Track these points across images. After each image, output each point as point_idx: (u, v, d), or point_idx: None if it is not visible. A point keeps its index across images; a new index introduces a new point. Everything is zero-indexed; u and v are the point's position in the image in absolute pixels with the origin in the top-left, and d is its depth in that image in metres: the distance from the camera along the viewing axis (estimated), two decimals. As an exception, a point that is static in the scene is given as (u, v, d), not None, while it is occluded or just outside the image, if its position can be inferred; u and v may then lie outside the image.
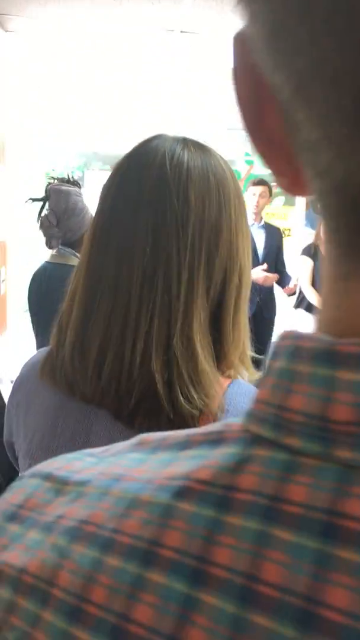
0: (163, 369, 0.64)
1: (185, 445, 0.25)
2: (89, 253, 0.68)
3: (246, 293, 0.72)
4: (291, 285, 4.08)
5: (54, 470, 0.29)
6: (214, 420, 0.65)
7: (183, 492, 0.22)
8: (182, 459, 0.24)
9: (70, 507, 0.25)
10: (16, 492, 0.29)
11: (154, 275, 0.64)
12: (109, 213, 0.67)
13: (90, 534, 0.23)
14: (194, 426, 0.64)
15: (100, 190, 0.70)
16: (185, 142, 0.68)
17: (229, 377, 0.70)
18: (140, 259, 0.64)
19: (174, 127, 5.30)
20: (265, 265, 3.64)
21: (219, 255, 0.67)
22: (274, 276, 3.66)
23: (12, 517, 0.28)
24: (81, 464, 0.29)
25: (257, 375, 0.75)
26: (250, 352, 0.74)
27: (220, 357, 0.69)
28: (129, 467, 0.26)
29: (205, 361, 0.65)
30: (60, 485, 0.28)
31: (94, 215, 0.70)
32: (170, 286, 0.64)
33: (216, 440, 0.24)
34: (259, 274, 3.57)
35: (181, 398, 0.63)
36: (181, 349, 0.64)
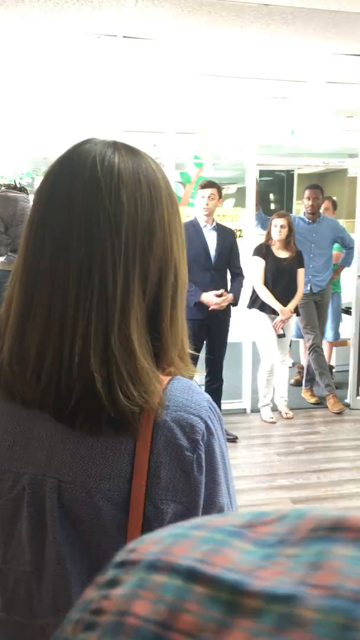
0: (102, 368, 0.64)
1: None
2: (24, 257, 0.69)
3: (182, 291, 0.73)
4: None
5: (197, 563, 0.20)
6: (155, 417, 0.66)
7: None
8: None
9: None
10: (141, 597, 0.20)
11: (90, 277, 0.65)
12: (42, 217, 0.68)
13: None
14: (136, 423, 0.65)
15: (34, 194, 0.70)
16: (116, 146, 0.69)
17: (169, 374, 0.71)
18: (76, 260, 0.65)
19: (122, 131, 5.30)
20: (220, 291, 3.76)
21: (153, 254, 0.68)
22: (222, 302, 3.77)
23: None
24: (238, 556, 0.20)
25: (196, 371, 0.77)
26: (188, 349, 0.76)
27: (160, 355, 0.70)
28: (357, 575, 0.18)
29: (143, 359, 0.66)
30: (229, 595, 0.18)
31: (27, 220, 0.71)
32: (106, 286, 0.65)
33: None
34: (210, 299, 3.71)
35: (121, 395, 0.64)
36: (119, 347, 0.65)
